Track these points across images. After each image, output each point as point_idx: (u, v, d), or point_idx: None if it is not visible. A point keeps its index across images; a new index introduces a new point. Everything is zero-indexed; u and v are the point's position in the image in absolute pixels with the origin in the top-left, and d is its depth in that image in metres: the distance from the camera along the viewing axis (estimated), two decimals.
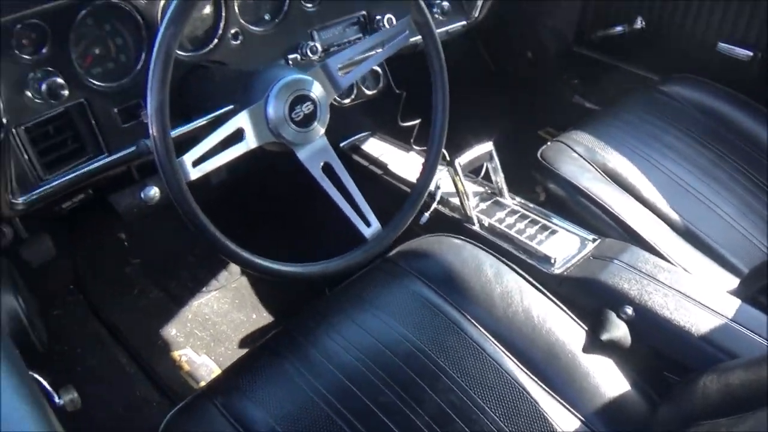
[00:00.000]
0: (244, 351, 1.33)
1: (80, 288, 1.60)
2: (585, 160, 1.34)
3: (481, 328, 0.97)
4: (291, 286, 1.52)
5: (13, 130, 0.89)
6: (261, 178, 1.65)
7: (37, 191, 0.96)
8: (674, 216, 1.26)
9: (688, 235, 1.23)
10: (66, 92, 0.91)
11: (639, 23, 1.77)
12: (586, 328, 1.00)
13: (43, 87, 0.89)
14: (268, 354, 0.97)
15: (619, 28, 1.81)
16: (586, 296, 1.07)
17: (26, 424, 0.43)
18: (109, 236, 1.66)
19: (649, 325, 0.99)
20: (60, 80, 0.90)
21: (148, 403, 1.41)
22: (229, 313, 1.61)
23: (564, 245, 1.16)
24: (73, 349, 1.48)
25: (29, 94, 0.90)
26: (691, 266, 1.14)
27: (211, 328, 1.57)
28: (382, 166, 1.49)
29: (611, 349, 0.97)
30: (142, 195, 1.24)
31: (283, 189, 1.72)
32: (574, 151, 1.36)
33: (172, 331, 1.55)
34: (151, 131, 0.78)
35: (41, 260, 1.43)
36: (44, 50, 0.90)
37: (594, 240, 1.17)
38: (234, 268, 1.70)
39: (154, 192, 1.24)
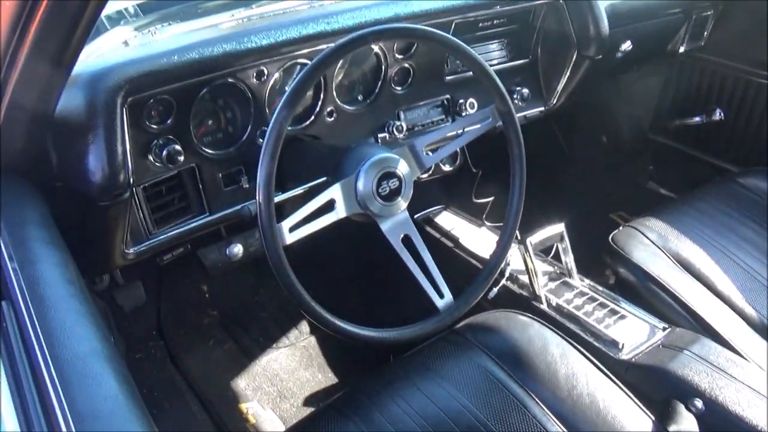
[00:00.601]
0: (308, 409, 1.36)
1: (162, 334, 1.70)
2: (657, 247, 1.34)
3: (544, 407, 0.98)
4: (358, 349, 1.57)
5: (134, 189, 1.01)
6: (338, 245, 1.73)
7: (146, 244, 1.07)
8: (749, 310, 1.24)
9: (763, 330, 1.20)
10: (182, 158, 1.02)
11: (718, 115, 1.79)
12: (653, 418, 0.98)
13: (164, 153, 1.00)
14: (334, 413, 1.00)
15: (697, 119, 1.83)
16: (655, 385, 1.06)
17: None
18: (192, 287, 1.77)
19: (720, 421, 0.97)
20: (178, 147, 1.02)
21: None
22: (297, 370, 1.66)
23: (632, 331, 1.16)
24: (150, 393, 1.56)
25: (151, 158, 1.02)
26: (765, 363, 1.11)
27: (279, 383, 1.62)
28: (454, 239, 1.54)
29: None
30: (227, 251, 1.34)
31: (358, 256, 1.79)
32: (647, 238, 1.36)
33: (241, 383, 1.62)
34: (258, 198, 0.87)
35: (133, 305, 1.54)
36: (169, 121, 1.02)
37: (664, 328, 1.17)
38: (304, 328, 1.76)
39: (237, 249, 1.34)
